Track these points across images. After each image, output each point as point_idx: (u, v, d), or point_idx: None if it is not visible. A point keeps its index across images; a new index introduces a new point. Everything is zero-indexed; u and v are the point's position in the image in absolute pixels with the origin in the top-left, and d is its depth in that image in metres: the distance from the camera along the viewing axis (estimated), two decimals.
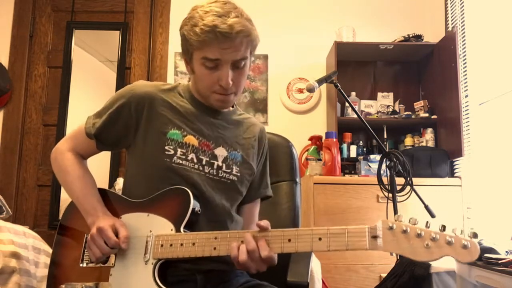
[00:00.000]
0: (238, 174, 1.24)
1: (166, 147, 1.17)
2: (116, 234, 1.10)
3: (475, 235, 0.87)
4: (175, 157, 1.17)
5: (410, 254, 0.89)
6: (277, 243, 1.00)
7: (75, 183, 1.22)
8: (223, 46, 1.10)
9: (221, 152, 1.23)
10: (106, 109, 1.23)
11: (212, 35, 1.09)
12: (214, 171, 1.20)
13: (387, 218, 1.85)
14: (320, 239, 0.96)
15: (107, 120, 1.22)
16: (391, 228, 0.91)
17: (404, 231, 0.90)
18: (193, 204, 1.11)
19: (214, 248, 1.04)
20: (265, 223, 1.01)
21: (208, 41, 1.09)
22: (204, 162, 1.19)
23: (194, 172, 1.17)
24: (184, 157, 1.18)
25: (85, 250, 1.18)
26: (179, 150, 1.18)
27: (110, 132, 1.23)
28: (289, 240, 0.99)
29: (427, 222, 0.91)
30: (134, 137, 1.22)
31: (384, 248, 0.91)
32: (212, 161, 1.21)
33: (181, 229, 1.09)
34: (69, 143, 1.28)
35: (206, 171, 1.19)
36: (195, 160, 1.18)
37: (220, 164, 1.21)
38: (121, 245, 1.09)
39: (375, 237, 0.92)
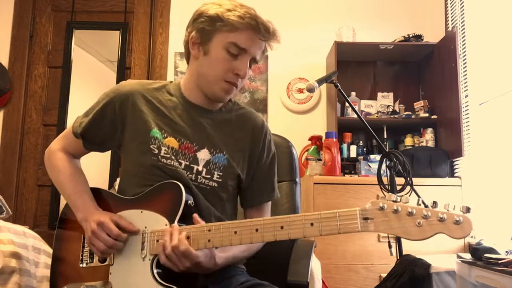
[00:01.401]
0: (220, 180, 1.20)
1: (151, 146, 1.17)
2: (117, 227, 1.10)
3: (468, 210, 0.85)
4: (160, 156, 1.16)
5: (402, 234, 0.87)
6: (270, 231, 0.99)
7: (66, 181, 1.23)
8: (259, 37, 1.14)
9: (203, 155, 1.19)
10: (92, 108, 1.24)
11: (254, 23, 1.12)
12: (193, 176, 1.18)
13: None
14: (312, 224, 0.95)
15: (93, 119, 1.22)
16: (382, 208, 0.89)
17: (395, 211, 0.88)
18: (186, 196, 1.11)
19: (209, 240, 1.04)
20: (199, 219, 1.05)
21: (248, 26, 1.12)
22: (183, 166, 1.17)
23: (178, 171, 1.16)
24: (168, 155, 1.17)
25: (84, 251, 1.18)
26: (162, 148, 1.17)
27: (96, 131, 1.23)
28: (282, 227, 0.98)
29: (418, 200, 0.89)
30: (122, 135, 1.22)
31: (376, 229, 0.89)
32: (192, 165, 1.18)
33: (175, 223, 1.09)
34: (60, 143, 1.29)
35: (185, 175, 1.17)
36: (175, 164, 1.17)
37: (200, 169, 1.18)
38: (130, 229, 1.10)
39: (366, 218, 0.90)
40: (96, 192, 1.23)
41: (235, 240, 1.03)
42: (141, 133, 1.18)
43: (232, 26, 1.12)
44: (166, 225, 1.09)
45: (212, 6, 1.15)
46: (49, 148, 1.30)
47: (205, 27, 1.15)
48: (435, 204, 0.87)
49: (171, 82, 1.29)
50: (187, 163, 1.18)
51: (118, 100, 1.21)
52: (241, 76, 1.15)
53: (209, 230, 1.05)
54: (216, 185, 1.20)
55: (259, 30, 1.13)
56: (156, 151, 1.16)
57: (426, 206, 0.88)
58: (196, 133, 1.20)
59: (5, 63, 3.25)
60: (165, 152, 1.17)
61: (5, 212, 2.14)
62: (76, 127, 1.24)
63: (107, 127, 1.23)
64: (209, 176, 1.19)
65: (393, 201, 0.90)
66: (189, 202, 1.12)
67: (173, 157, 1.17)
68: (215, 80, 1.16)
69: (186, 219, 1.11)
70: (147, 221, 1.12)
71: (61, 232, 1.26)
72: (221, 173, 1.20)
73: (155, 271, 1.07)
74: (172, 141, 1.18)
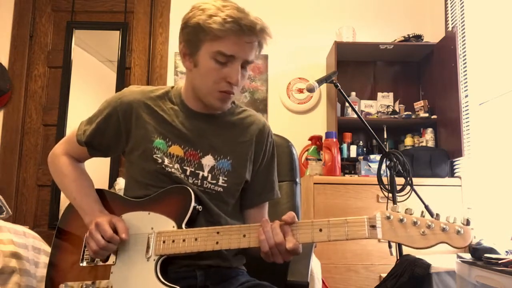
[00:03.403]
0: (225, 185, 1.20)
1: (154, 156, 1.17)
2: (114, 229, 1.10)
3: (468, 222, 0.91)
4: (164, 165, 1.17)
5: (407, 242, 0.93)
6: None
7: (72, 185, 1.24)
8: (245, 40, 1.09)
9: (208, 161, 1.19)
10: (96, 116, 1.24)
11: (236, 27, 1.06)
12: (199, 181, 1.18)
13: None
14: (320, 230, 0.98)
15: (96, 128, 1.23)
16: (388, 217, 0.94)
17: (401, 220, 0.93)
18: (194, 201, 1.12)
19: (217, 243, 1.05)
20: (289, 216, 1.01)
21: (230, 32, 1.07)
22: (188, 173, 1.18)
23: (182, 179, 1.17)
24: (171, 165, 1.17)
25: (85, 250, 1.18)
26: (166, 159, 1.17)
27: (101, 139, 1.24)
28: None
29: (422, 211, 0.95)
30: (126, 142, 1.22)
31: (383, 236, 0.94)
32: (197, 171, 1.18)
33: (183, 226, 1.10)
34: (64, 147, 1.29)
35: (190, 181, 1.17)
36: (180, 170, 1.18)
37: (205, 174, 1.18)
38: (121, 236, 1.09)
39: (373, 226, 0.95)
40: (103, 194, 1.24)
41: (244, 243, 1.04)
42: (144, 143, 1.19)
43: (214, 35, 1.07)
44: (173, 227, 1.10)
45: (196, 13, 1.11)
46: (52, 152, 1.31)
47: (190, 38, 1.12)
48: (437, 215, 0.93)
49: (172, 87, 1.28)
50: (193, 169, 1.18)
51: (121, 110, 1.20)
52: (234, 83, 1.12)
53: (218, 233, 1.06)
54: (221, 189, 1.20)
55: (243, 33, 1.07)
56: (160, 161, 1.17)
57: (431, 215, 0.94)
58: (200, 140, 1.20)
59: (5, 63, 3.25)
60: (169, 162, 1.17)
61: (5, 212, 2.14)
62: (80, 135, 1.25)
63: (111, 136, 1.23)
64: (214, 181, 1.19)
65: (399, 212, 0.95)
66: (197, 207, 1.13)
67: (177, 166, 1.17)
68: (208, 92, 1.15)
69: (193, 223, 1.12)
70: (154, 222, 1.12)
71: (60, 238, 1.26)
72: (226, 178, 1.20)
73: (159, 271, 1.07)
74: (177, 149, 1.19)
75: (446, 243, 0.90)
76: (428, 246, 0.91)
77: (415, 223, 0.92)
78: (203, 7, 1.11)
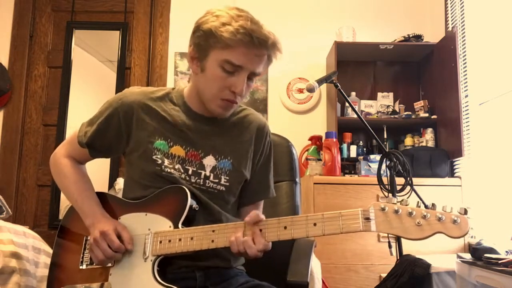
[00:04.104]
0: (227, 184, 1.21)
1: (154, 157, 1.17)
2: (119, 237, 1.11)
3: (465, 212, 0.89)
4: (163, 166, 1.17)
5: (402, 233, 0.91)
6: (273, 231, 1.02)
7: (73, 187, 1.24)
8: (255, 52, 1.09)
9: (209, 161, 1.20)
10: (97, 117, 1.24)
11: (247, 38, 1.06)
12: (201, 181, 1.19)
13: None
14: (315, 224, 0.98)
15: (97, 129, 1.23)
16: (383, 209, 0.93)
17: (396, 211, 0.92)
18: (190, 201, 1.12)
19: (212, 241, 1.05)
20: (251, 217, 1.03)
21: (240, 42, 1.06)
22: (190, 172, 1.18)
23: (182, 181, 1.17)
24: (171, 166, 1.18)
25: (85, 252, 1.18)
26: (166, 160, 1.18)
27: (102, 140, 1.24)
28: (285, 228, 1.01)
29: (418, 202, 0.93)
30: (127, 143, 1.23)
31: (377, 228, 0.93)
32: (199, 171, 1.19)
33: (179, 225, 1.10)
34: (65, 149, 1.30)
35: (193, 181, 1.18)
36: (181, 170, 1.18)
37: (207, 174, 1.19)
38: (127, 247, 1.10)
39: (368, 219, 0.94)
40: (102, 197, 1.25)
41: None
42: (144, 143, 1.19)
43: (224, 43, 1.07)
44: (170, 227, 1.10)
45: (210, 18, 1.11)
46: (54, 154, 1.31)
47: (200, 43, 1.12)
48: (433, 205, 0.91)
49: (173, 89, 1.29)
50: (195, 169, 1.19)
51: (122, 111, 1.21)
52: (238, 93, 1.12)
53: (213, 231, 1.06)
54: (224, 189, 1.21)
55: (253, 45, 1.07)
56: (160, 161, 1.17)
57: (426, 207, 0.92)
58: (201, 140, 1.21)
59: (5, 63, 3.25)
60: (169, 163, 1.18)
61: (5, 212, 2.14)
62: (81, 137, 1.25)
63: (112, 137, 1.23)
64: (216, 181, 1.20)
65: (394, 203, 0.93)
66: (194, 206, 1.14)
67: (178, 166, 1.18)
68: (212, 98, 1.15)
69: (190, 222, 1.13)
70: (151, 223, 1.13)
71: (62, 239, 1.26)
72: (227, 177, 1.21)
73: (156, 272, 1.07)
74: (178, 150, 1.19)
75: (442, 233, 0.88)
76: (423, 237, 0.89)
77: (410, 214, 0.91)
78: (217, 13, 1.11)
